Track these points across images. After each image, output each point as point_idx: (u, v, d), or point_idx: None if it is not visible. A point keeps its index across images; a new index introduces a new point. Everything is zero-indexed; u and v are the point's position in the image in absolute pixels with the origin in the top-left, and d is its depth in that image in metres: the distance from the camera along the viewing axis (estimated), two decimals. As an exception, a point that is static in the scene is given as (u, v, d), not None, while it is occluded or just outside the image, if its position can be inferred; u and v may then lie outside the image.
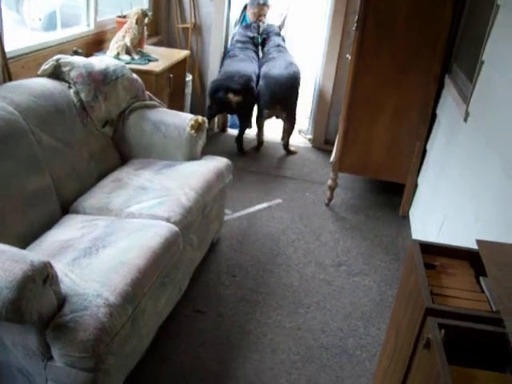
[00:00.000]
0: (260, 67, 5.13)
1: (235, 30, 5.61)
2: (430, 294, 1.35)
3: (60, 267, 2.10)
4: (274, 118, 5.13)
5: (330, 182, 4.21)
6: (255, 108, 5.07)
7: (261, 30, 5.54)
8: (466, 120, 3.04)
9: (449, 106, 3.65)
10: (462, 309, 1.34)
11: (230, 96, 4.73)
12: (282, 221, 3.96)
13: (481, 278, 1.51)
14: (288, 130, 5.16)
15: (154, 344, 2.55)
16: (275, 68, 4.98)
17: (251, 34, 5.42)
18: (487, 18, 2.90)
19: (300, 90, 5.08)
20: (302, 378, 2.58)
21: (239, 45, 5.30)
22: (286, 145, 5.23)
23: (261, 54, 5.49)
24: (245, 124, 5.07)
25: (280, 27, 5.61)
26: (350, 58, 4.16)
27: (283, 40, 5.52)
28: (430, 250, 1.60)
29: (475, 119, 2.89)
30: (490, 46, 2.82)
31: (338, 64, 5.09)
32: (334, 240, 3.79)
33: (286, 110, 4.99)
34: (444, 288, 1.45)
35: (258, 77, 5.00)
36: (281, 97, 4.86)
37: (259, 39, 5.53)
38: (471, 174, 2.75)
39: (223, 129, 5.64)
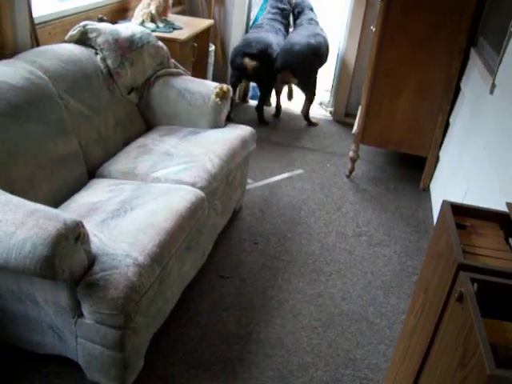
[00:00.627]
0: None
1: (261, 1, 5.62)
2: (462, 251, 1.38)
3: (89, 228, 2.13)
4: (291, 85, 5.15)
5: (351, 153, 4.22)
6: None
7: (293, 2, 5.52)
8: (492, 92, 3.02)
9: (474, 78, 3.64)
10: (492, 265, 1.37)
11: (246, 60, 4.74)
12: (303, 191, 3.99)
13: (510, 240, 1.54)
14: (307, 100, 5.16)
15: (179, 306, 2.60)
16: (296, 36, 5.00)
17: (282, 6, 5.41)
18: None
19: (321, 62, 5.07)
20: (322, 343, 2.63)
21: (269, 15, 5.31)
22: (305, 115, 5.24)
23: (291, 29, 5.48)
24: (264, 92, 5.08)
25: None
26: (374, 29, 4.14)
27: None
28: (460, 211, 1.62)
29: (502, 91, 2.88)
30: (519, 16, 2.80)
31: (361, 36, 5.07)
32: (354, 211, 3.81)
33: (298, 77, 4.92)
34: (475, 247, 1.47)
35: None
36: (292, 62, 4.80)
37: (289, 10, 5.51)
38: (496, 146, 2.75)
39: (244, 99, 5.64)
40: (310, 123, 5.26)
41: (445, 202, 1.61)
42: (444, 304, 1.36)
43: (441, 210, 1.63)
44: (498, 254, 1.46)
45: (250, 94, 5.73)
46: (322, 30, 5.26)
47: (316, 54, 4.93)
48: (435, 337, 1.41)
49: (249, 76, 4.90)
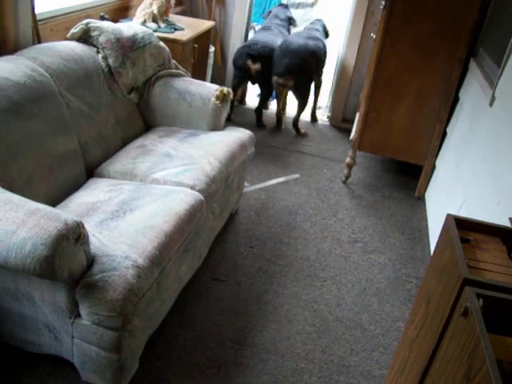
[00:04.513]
0: None
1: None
2: (466, 265, 1.39)
3: (88, 228, 2.12)
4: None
5: (348, 159, 4.23)
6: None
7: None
8: (491, 104, 3.04)
9: (473, 89, 3.65)
10: (497, 281, 1.38)
11: (249, 62, 4.76)
12: (299, 195, 3.99)
13: (513, 255, 1.56)
14: (298, 106, 5.03)
15: (174, 308, 2.60)
16: (294, 38, 4.94)
17: (290, 15, 5.44)
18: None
19: (318, 68, 5.02)
20: (317, 349, 2.63)
21: (277, 20, 5.32)
22: (294, 122, 5.12)
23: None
24: (265, 95, 5.08)
25: (313, 4, 5.58)
26: (374, 37, 4.16)
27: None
28: (463, 225, 1.64)
29: (501, 104, 2.89)
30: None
31: (360, 43, 5.07)
32: (350, 217, 3.82)
33: (295, 81, 4.80)
34: (479, 262, 1.49)
35: None
36: (291, 65, 4.69)
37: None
38: (495, 158, 2.76)
39: (241, 101, 5.64)
40: (298, 132, 5.13)
41: (449, 216, 1.62)
42: (448, 318, 1.37)
43: (445, 223, 1.64)
44: (502, 270, 1.47)
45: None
46: (320, 35, 5.23)
47: (314, 59, 4.86)
48: (438, 350, 1.42)
49: (251, 78, 4.90)
